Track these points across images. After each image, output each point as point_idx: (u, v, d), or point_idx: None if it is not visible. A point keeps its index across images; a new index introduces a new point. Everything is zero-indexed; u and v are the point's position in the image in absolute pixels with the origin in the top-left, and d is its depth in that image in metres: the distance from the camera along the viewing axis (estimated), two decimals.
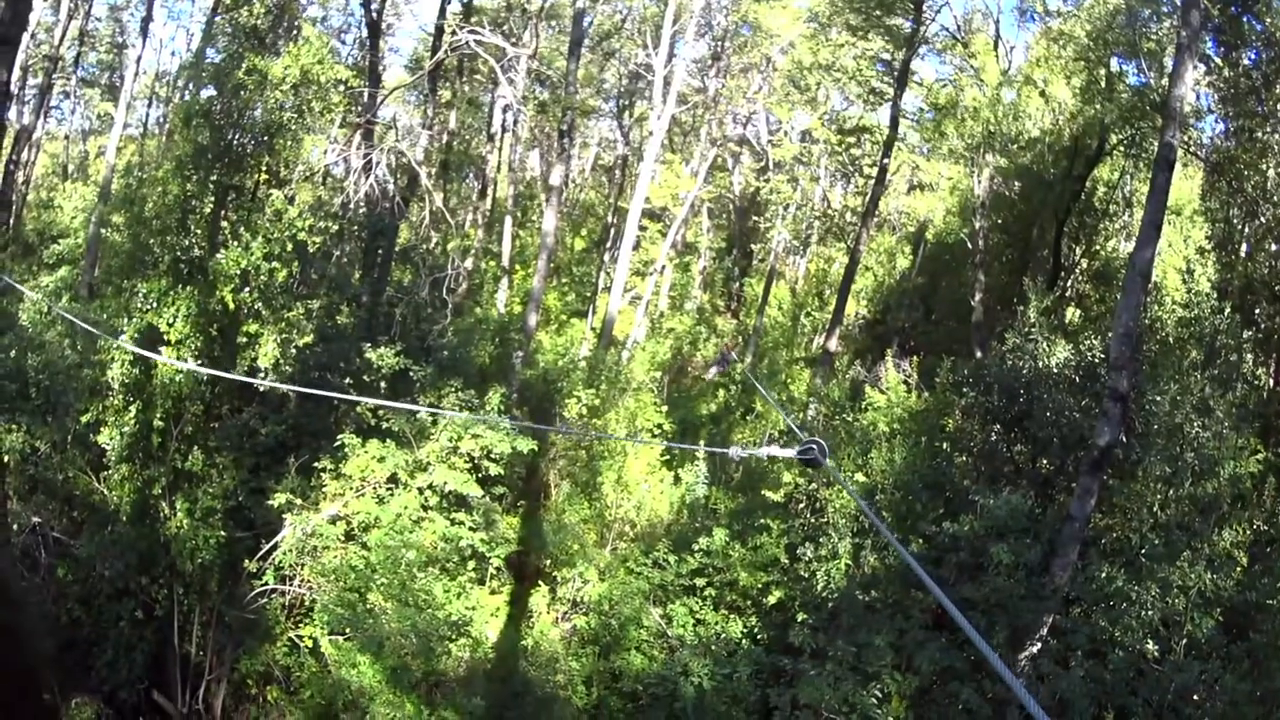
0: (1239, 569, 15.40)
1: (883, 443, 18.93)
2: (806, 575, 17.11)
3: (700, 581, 18.46)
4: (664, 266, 32.48)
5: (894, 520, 17.33)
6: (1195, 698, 13.04)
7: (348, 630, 16.40)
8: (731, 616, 18.19)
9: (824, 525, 18.09)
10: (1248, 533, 15.89)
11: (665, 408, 24.91)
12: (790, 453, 6.15)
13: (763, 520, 18.95)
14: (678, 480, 23.07)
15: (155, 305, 16.48)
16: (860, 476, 18.41)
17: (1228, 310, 18.23)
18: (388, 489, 17.52)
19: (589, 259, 33.46)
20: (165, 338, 16.36)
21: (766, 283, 34.22)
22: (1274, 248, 20.42)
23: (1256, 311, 19.43)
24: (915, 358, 24.32)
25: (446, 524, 17.57)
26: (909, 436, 19.05)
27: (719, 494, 22.65)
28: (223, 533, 16.60)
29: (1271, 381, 19.67)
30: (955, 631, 14.85)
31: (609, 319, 26.71)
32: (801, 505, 19.78)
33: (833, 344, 27.93)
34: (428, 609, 16.51)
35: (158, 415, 16.42)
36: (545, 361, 24.21)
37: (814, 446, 6.22)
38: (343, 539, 17.16)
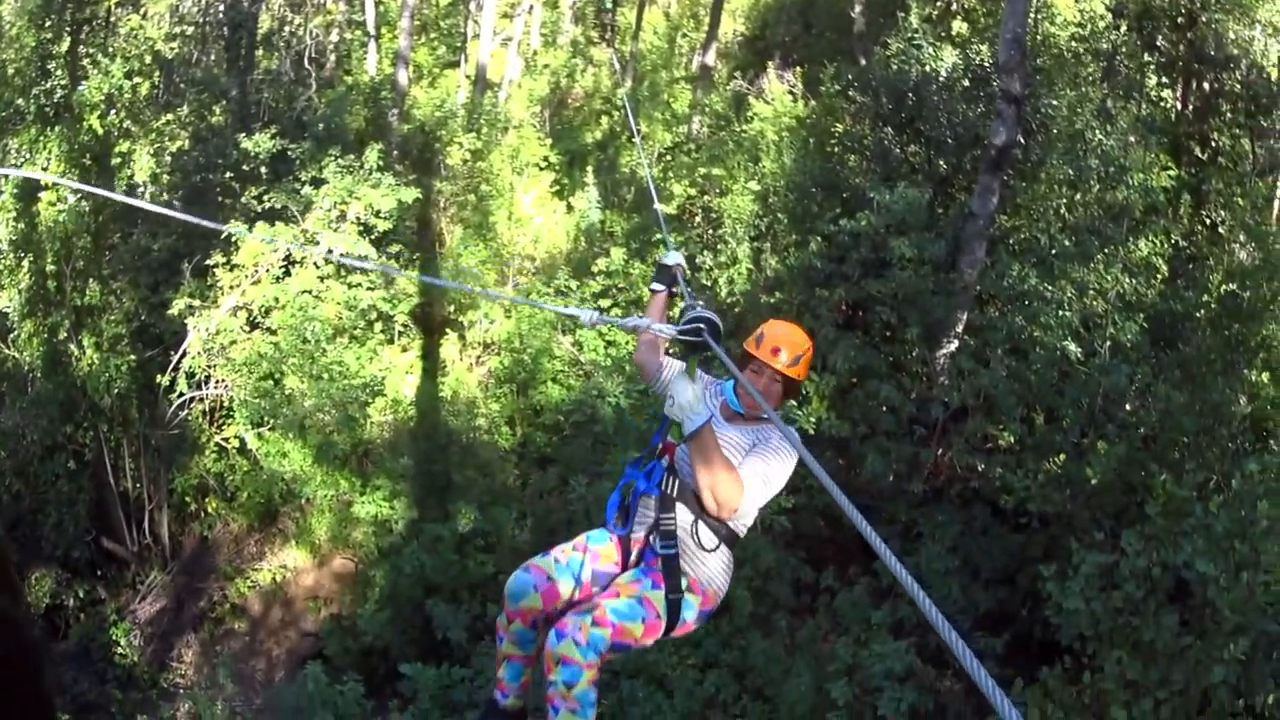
0: (1159, 278, 15.28)
1: (772, 149, 18.43)
2: (709, 284, 16.78)
3: (605, 302, 18.01)
4: (531, 5, 31.15)
5: (791, 222, 17.05)
6: (1129, 407, 12.98)
7: (269, 421, 16.00)
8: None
9: (721, 234, 17.75)
10: (1166, 245, 15.74)
11: (549, 141, 24.12)
12: (668, 329, 4.46)
13: (658, 235, 18.32)
14: (570, 210, 22.58)
15: (30, 156, 15.50)
16: (753, 184, 17.95)
17: (1124, 29, 17.73)
18: (283, 269, 16.96)
19: (456, 10, 31.95)
20: (43, 184, 15.39)
21: (639, 8, 32.95)
22: None
23: (1158, 39, 18.88)
24: (800, 69, 23.55)
25: (344, 289, 17.11)
26: (799, 142, 18.50)
27: (613, 216, 22.27)
28: (133, 356, 15.94)
29: (1179, 105, 19.30)
30: (868, 330, 14.79)
31: (481, 65, 25.61)
32: (697, 217, 19.45)
33: (710, 58, 27.02)
34: (342, 379, 16.19)
35: (49, 261, 15.58)
36: (422, 115, 23.31)
37: (701, 324, 4.39)
38: (247, 328, 16.60)
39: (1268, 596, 6.93)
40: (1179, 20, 18.36)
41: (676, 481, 4.87)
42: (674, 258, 5.84)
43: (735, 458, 4.74)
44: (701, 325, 4.35)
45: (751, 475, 4.67)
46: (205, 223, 6.56)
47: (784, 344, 5.00)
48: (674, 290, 5.82)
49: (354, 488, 15.84)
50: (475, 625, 13.12)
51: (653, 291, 5.82)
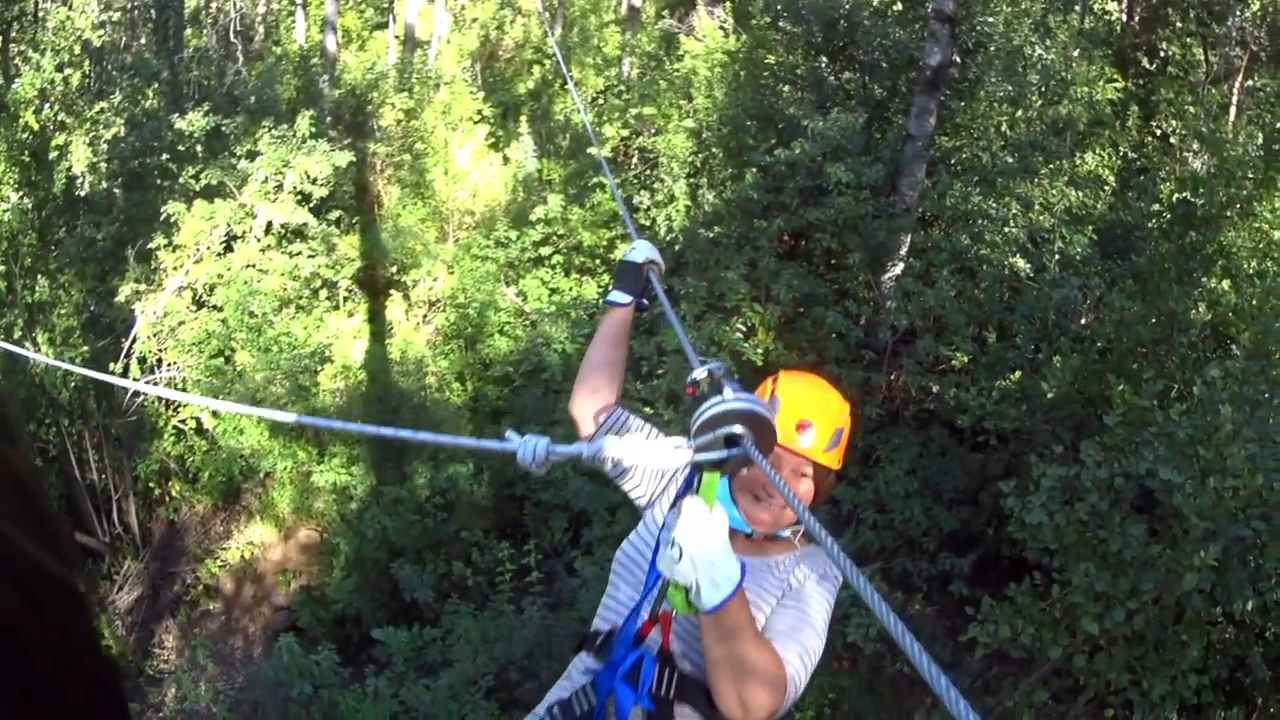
0: (1108, 189, 15.09)
1: (704, 86, 18.00)
2: (648, 223, 16.38)
3: (546, 250, 17.89)
4: None
5: (726, 156, 16.73)
6: (1084, 321, 12.78)
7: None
8: (584, 279, 17.74)
9: (658, 174, 17.36)
10: (1114, 158, 15.55)
11: (482, 95, 23.75)
12: (669, 453, 2.65)
13: (596, 179, 18.22)
14: (507, 161, 22.06)
15: None
16: (688, 122, 17.54)
17: None
18: (224, 245, 16.67)
19: None
20: None
21: None
22: None
23: None
24: (729, 3, 23.19)
25: (286, 259, 16.87)
26: (731, 76, 18.05)
27: (549, 164, 21.97)
28: (85, 348, 15.54)
29: (1124, 16, 19.12)
30: (810, 258, 14.56)
31: (409, 25, 25.10)
32: (634, 159, 19.20)
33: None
34: (291, 350, 15.96)
35: None
36: (353, 79, 22.92)
37: (736, 425, 2.49)
38: (194, 308, 16.34)
39: (1236, 501, 6.74)
40: None
41: (674, 676, 3.07)
42: (642, 251, 3.90)
43: (759, 617, 3.08)
44: (739, 432, 2.46)
45: (791, 654, 2.97)
46: None
47: (814, 414, 3.23)
48: (644, 304, 3.91)
49: (311, 458, 15.62)
50: (441, 584, 13.04)
51: (610, 305, 3.84)
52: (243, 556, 15.76)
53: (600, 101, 21.91)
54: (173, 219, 16.28)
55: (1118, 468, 7.68)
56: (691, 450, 2.54)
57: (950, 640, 9.49)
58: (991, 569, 10.76)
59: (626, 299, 3.84)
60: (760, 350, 13.35)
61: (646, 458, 2.68)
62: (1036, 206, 14.15)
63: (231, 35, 22.99)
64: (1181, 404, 8.15)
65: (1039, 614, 7.76)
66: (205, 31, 23.21)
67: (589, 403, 3.68)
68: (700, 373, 2.91)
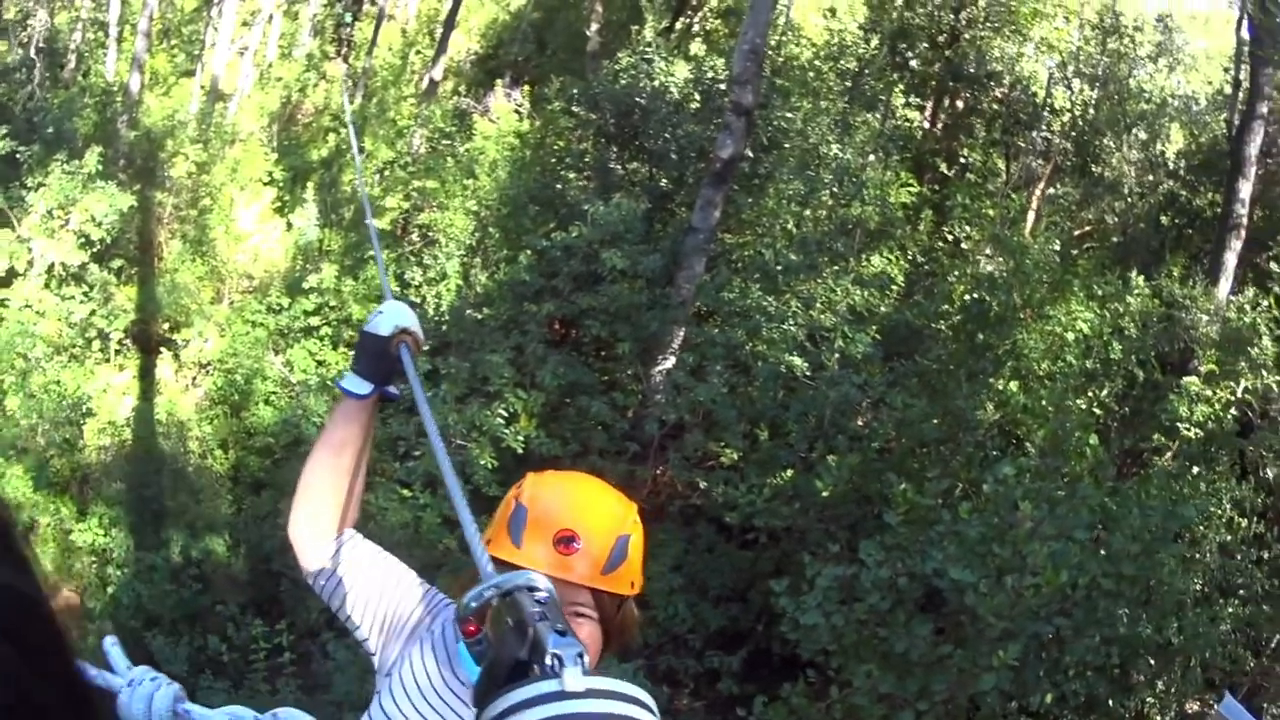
0: (894, 291, 15.24)
1: (489, 166, 17.92)
2: (419, 300, 15.96)
3: (316, 321, 17.36)
4: (271, 15, 30.02)
5: (502, 237, 16.57)
6: (862, 420, 12.74)
7: None
8: (350, 353, 17.08)
9: (432, 250, 17.06)
10: (902, 260, 15.77)
11: (274, 156, 23.06)
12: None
13: (371, 252, 17.57)
14: (290, 227, 21.34)
15: None
16: (470, 203, 17.38)
17: (874, 43, 17.83)
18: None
19: (199, 16, 30.61)
20: None
21: (376, 24, 32.13)
22: None
23: (910, 54, 19.22)
24: (529, 87, 23.17)
25: (59, 302, 16.01)
26: (518, 158, 18.07)
27: (330, 234, 21.21)
28: None
29: (927, 123, 19.63)
30: (580, 347, 14.55)
31: (215, 75, 24.35)
32: (413, 234, 18.84)
33: (437, 73, 26.32)
34: (59, 399, 15.17)
35: None
36: (151, 123, 22.03)
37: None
38: None
39: (1038, 599, 6.64)
40: (939, 38, 18.71)
41: None
42: (392, 318, 2.70)
43: None
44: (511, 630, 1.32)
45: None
46: None
47: (578, 523, 2.36)
48: (393, 394, 2.77)
49: (72, 514, 14.74)
50: (197, 658, 12.18)
51: (346, 393, 2.70)
52: None
53: (386, 172, 21.56)
54: None
55: (901, 567, 7.56)
56: None
57: None
58: (763, 665, 10.61)
59: (366, 388, 2.68)
60: (521, 438, 12.95)
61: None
62: (819, 305, 14.14)
63: (35, 54, 21.83)
64: (968, 503, 8.04)
65: (816, 715, 7.51)
66: (14, 48, 21.93)
67: (308, 528, 2.68)
68: (485, 591, 1.40)
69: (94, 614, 13.94)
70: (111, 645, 1.70)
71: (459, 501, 1.89)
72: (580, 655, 1.20)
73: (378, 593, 2.58)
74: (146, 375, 17.45)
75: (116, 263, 17.38)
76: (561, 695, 1.13)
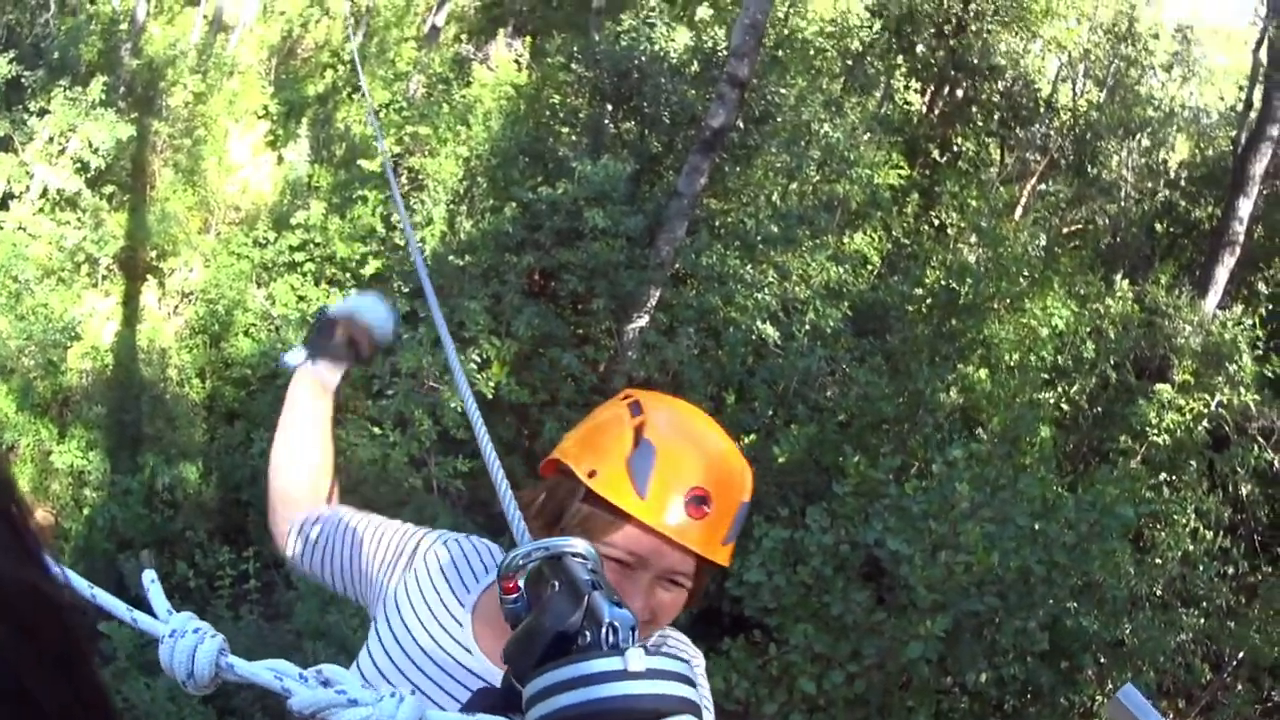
0: (871, 269, 15.31)
1: (483, 115, 17.73)
2: (402, 242, 15.94)
3: (300, 257, 17.22)
4: None
5: (490, 187, 16.46)
6: (828, 393, 12.77)
7: None
8: (332, 290, 16.95)
9: (421, 195, 16.94)
10: (884, 241, 15.82)
11: (271, 90, 22.94)
12: None
13: (360, 192, 17.58)
14: (281, 161, 21.20)
15: None
16: (461, 149, 17.19)
17: (877, 26, 17.79)
18: None
19: None
20: None
21: None
22: None
23: (915, 40, 19.13)
24: (530, 39, 23.05)
25: (54, 226, 15.98)
26: (513, 109, 17.95)
27: (321, 170, 21.00)
28: None
29: (925, 108, 19.58)
30: (557, 300, 14.47)
31: (219, 6, 24.02)
32: (403, 177, 18.81)
33: (440, 19, 26.16)
34: (46, 322, 15.05)
35: None
36: (153, 52, 21.88)
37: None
38: None
39: (969, 576, 6.80)
40: (945, 28, 18.65)
41: None
42: (349, 305, 2.55)
43: None
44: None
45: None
46: None
47: (712, 483, 1.88)
48: (287, 361, 2.62)
49: (52, 436, 14.63)
50: (165, 582, 11.98)
51: (308, 369, 2.51)
52: None
53: (381, 115, 21.53)
54: None
55: (844, 535, 7.70)
56: None
57: None
58: (714, 624, 10.71)
59: (298, 358, 2.54)
60: (492, 384, 13.09)
61: None
62: (794, 277, 14.25)
63: None
64: (920, 480, 8.18)
65: (754, 670, 7.66)
66: None
67: (286, 515, 2.49)
68: (534, 551, 1.38)
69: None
70: (151, 583, 1.60)
71: (492, 464, 2.02)
72: (634, 629, 1.19)
73: (359, 558, 2.34)
74: (131, 302, 17.49)
75: (109, 189, 17.41)
76: (624, 675, 1.11)
